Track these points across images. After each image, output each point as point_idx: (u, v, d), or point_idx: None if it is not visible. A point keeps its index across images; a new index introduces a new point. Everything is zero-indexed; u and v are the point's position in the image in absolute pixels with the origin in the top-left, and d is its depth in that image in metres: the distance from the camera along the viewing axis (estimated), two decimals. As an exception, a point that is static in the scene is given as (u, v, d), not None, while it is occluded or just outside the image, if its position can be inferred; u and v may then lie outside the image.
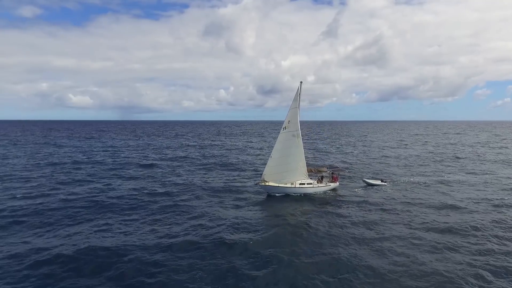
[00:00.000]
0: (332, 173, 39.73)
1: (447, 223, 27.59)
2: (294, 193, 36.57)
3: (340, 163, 59.30)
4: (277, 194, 36.30)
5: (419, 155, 72.36)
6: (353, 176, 47.21)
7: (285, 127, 36.13)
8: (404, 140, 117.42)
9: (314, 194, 36.85)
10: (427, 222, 27.83)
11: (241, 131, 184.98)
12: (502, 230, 25.98)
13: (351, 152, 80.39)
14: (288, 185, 36.64)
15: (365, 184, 41.49)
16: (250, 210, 31.23)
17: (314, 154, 73.11)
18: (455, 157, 69.38)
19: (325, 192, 37.67)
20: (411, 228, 26.46)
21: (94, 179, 44.34)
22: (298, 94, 35.69)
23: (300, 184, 36.99)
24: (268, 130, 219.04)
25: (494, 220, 28.22)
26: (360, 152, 79.30)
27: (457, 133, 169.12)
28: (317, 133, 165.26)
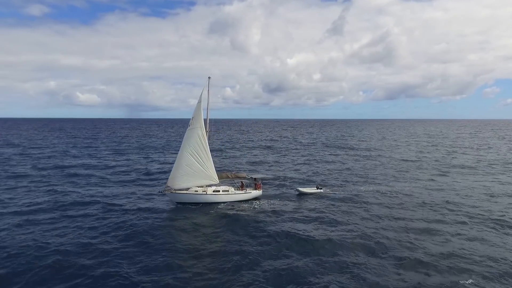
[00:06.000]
0: (255, 179, 34.62)
1: (383, 231, 24.83)
2: (206, 202, 31.05)
3: (275, 169, 54.48)
4: (186, 204, 30.57)
5: (370, 158, 69.15)
6: (284, 183, 42.28)
7: (190, 124, 31.32)
8: (360, 141, 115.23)
9: (231, 203, 31.64)
10: (360, 234, 24.39)
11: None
12: (427, 237, 23.70)
13: (294, 157, 76.20)
14: (200, 192, 31.07)
15: (298, 193, 36.50)
16: (151, 228, 25.38)
17: (238, 157, 68.02)
18: (408, 161, 66.85)
19: (245, 201, 32.64)
20: (336, 242, 22.74)
21: None
22: (207, 89, 31.86)
23: (214, 191, 31.57)
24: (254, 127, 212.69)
25: (425, 229, 25.70)
26: (303, 156, 75.20)
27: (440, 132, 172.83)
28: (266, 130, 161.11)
